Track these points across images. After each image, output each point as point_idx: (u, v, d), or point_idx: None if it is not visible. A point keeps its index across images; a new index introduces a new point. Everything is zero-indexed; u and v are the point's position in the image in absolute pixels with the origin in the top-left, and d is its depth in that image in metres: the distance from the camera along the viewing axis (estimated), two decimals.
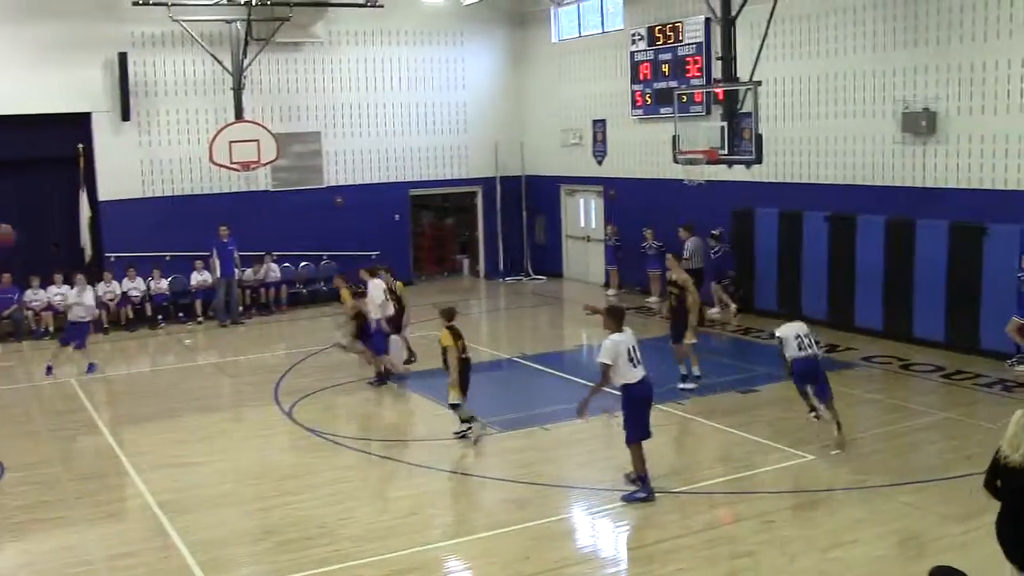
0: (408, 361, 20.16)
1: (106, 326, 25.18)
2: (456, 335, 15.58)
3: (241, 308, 26.76)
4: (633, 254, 26.88)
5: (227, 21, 26.07)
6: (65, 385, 20.08)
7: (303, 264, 28.65)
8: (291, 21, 26.43)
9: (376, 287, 19.19)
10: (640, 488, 12.85)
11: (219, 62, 26.24)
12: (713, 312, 24.02)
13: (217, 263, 25.80)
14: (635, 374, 12.84)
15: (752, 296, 24.35)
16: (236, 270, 26.29)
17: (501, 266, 31.76)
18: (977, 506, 12.00)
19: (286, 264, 28.16)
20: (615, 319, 13.05)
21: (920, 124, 19.97)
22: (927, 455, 14.43)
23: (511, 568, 10.86)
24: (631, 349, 12.81)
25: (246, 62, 26.27)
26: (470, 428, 15.61)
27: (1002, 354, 18.66)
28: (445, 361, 15.59)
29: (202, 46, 26.08)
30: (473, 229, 32.73)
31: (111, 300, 25.58)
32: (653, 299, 26.43)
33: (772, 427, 15.65)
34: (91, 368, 20.73)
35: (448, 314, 15.91)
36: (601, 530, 12.31)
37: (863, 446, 14.69)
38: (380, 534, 11.93)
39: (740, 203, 24.29)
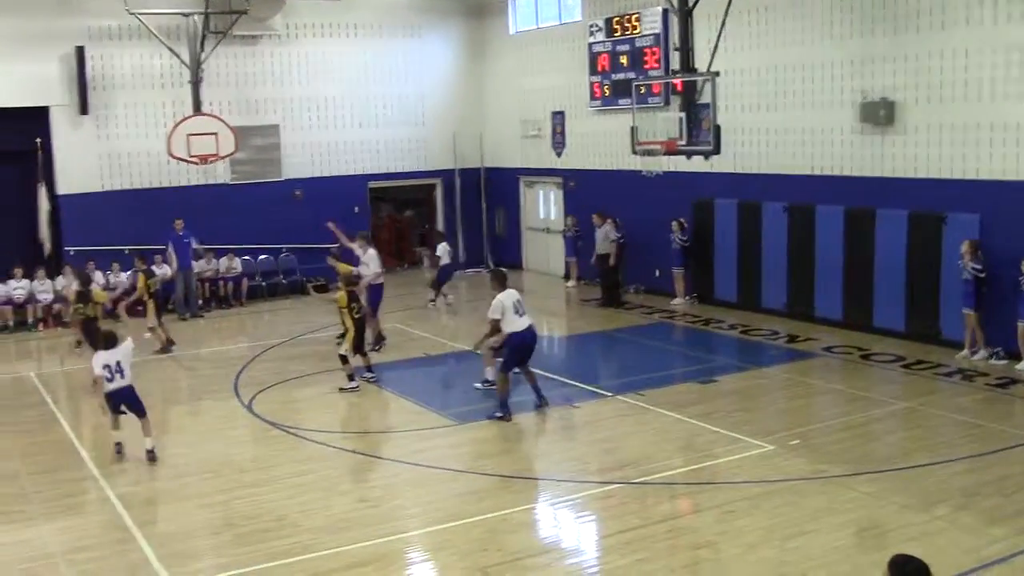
0: (378, 343, 20.91)
1: (66, 320, 24.95)
2: (352, 298, 17.91)
3: (200, 301, 26.55)
4: (592, 246, 26.86)
5: (184, 14, 25.88)
6: (24, 379, 19.89)
7: (262, 257, 28.46)
8: (248, 14, 26.30)
9: (373, 253, 21.10)
10: (500, 410, 15.86)
11: (176, 55, 26.05)
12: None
13: (174, 256, 25.58)
14: (521, 323, 15.92)
15: (712, 287, 24.38)
16: (193, 262, 26.08)
17: (461, 258, 31.67)
18: (935, 496, 12.13)
19: (245, 257, 27.98)
20: (499, 281, 16.33)
21: (878, 114, 20.02)
22: (887, 445, 14.49)
23: (470, 559, 10.80)
24: (516, 303, 15.95)
25: (203, 55, 26.12)
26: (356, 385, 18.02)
27: (961, 344, 18.74)
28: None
29: (159, 39, 25.86)
30: (432, 221, 32.62)
31: (70, 294, 25.30)
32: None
33: (732, 418, 15.65)
34: None
35: (346, 280, 18.37)
36: (561, 521, 12.26)
37: (823, 436, 14.71)
38: (340, 526, 11.85)
39: (700, 194, 24.31)
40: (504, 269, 19.01)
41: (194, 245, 25.93)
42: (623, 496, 12.62)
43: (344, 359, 18.06)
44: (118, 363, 14.49)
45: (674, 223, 24.42)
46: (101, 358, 14.50)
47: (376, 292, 20.82)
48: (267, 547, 11.29)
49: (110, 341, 14.78)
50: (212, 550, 11.48)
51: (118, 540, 11.76)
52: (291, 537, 11.57)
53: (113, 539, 11.83)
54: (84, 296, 19.83)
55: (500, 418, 15.78)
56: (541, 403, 16.44)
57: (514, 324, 15.87)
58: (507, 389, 16.08)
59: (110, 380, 14.43)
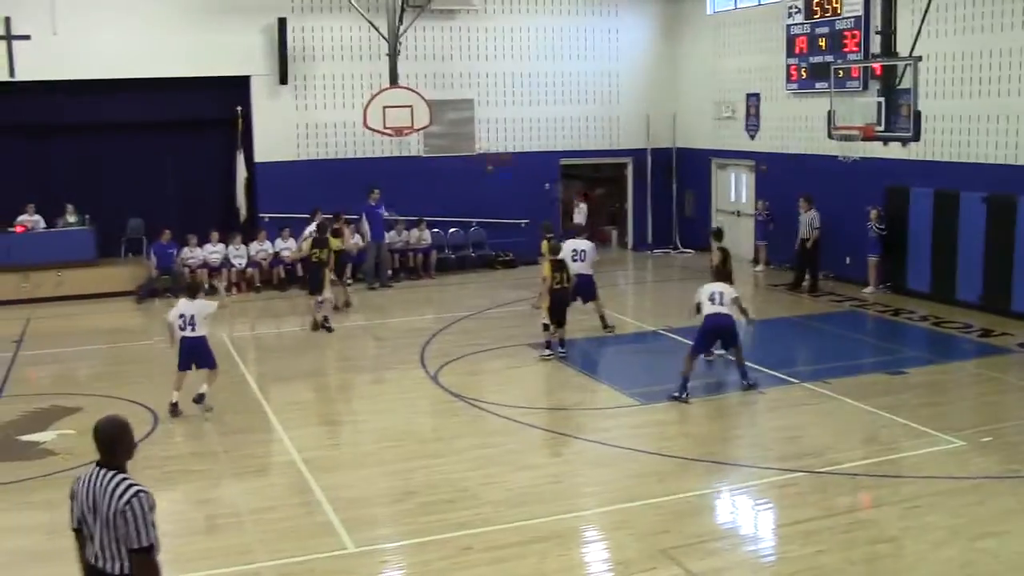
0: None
1: (258, 285, 25.81)
2: (556, 267, 18.62)
3: (390, 272, 27.10)
4: (783, 230, 26.52)
5: None
6: (218, 343, 20.59)
7: (452, 230, 28.89)
8: None
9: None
10: (680, 391, 16.16)
11: (375, 28, 26.54)
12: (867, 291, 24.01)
13: (367, 227, 26.15)
14: (713, 310, 16.48)
15: (904, 276, 23.88)
16: (386, 234, 26.63)
17: (649, 238, 31.61)
18: None
19: (435, 229, 28.43)
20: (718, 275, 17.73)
21: None
22: None
23: (648, 540, 10.88)
24: (713, 294, 16.57)
25: (401, 28, 26.52)
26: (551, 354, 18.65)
27: None
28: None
29: (359, 12, 26.41)
30: (622, 200, 32.62)
31: (264, 260, 26.18)
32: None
33: (920, 411, 15.33)
34: None
35: (554, 249, 19.19)
36: (740, 507, 12.24)
37: (1016, 435, 14.30)
38: (521, 500, 12.04)
39: (894, 181, 23.79)
40: (724, 254, 20.01)
41: (386, 215, 26.47)
42: (804, 485, 12.52)
43: (545, 327, 18.85)
44: (192, 316, 15.57)
45: (872, 211, 23.92)
46: (178, 308, 15.72)
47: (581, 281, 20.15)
48: (449, 517, 11.57)
49: (192, 292, 15.98)
50: (393, 517, 11.80)
51: (303, 503, 12.18)
52: (472, 509, 11.82)
53: (297, 501, 12.25)
54: (320, 242, 21.69)
55: (677, 398, 16.06)
56: (747, 385, 16.71)
57: (707, 309, 16.54)
58: (690, 371, 16.33)
59: (182, 329, 15.52)
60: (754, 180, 29.24)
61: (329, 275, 21.74)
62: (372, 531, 11.36)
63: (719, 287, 16.77)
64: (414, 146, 28.56)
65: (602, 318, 20.80)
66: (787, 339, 20.25)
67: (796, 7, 26.52)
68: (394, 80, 26.45)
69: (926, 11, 19.49)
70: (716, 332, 16.62)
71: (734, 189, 30.53)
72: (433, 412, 16.16)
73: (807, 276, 24.97)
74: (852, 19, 24.70)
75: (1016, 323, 20.65)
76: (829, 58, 24.90)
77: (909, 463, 13.29)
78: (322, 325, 21.45)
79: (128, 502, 6.48)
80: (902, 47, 19.80)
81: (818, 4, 25.77)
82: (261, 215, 27.33)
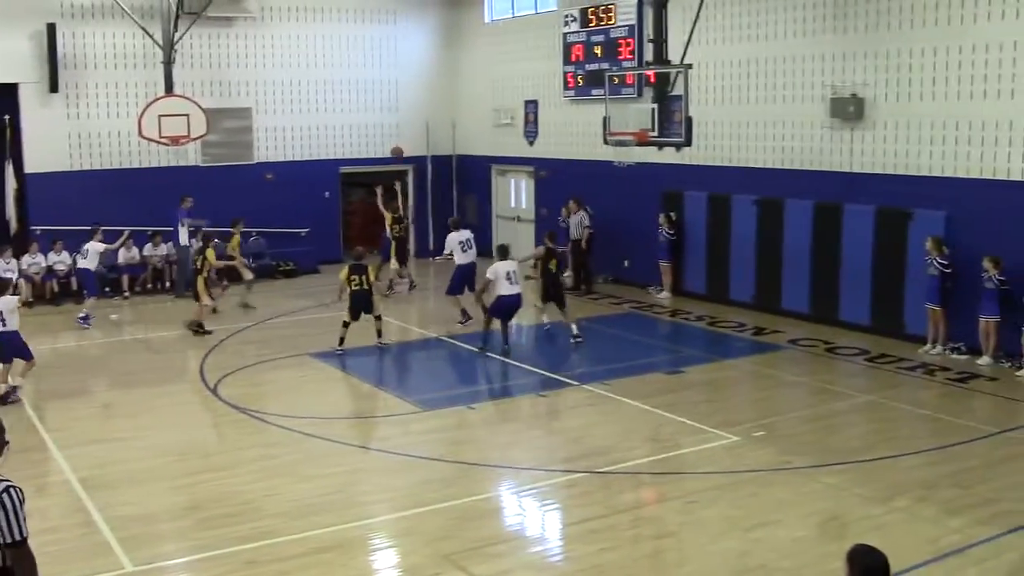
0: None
1: (30, 300, 24.85)
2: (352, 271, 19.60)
3: (169, 284, 26.55)
4: (564, 234, 26.91)
5: None
6: None
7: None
8: None
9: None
10: (482, 341, 19.56)
11: (149, 35, 25.87)
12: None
13: (185, 233, 25.92)
14: (510, 289, 19.28)
15: (681, 278, 24.49)
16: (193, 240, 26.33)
17: (431, 245, 31.66)
18: (896, 487, 12.28)
19: (216, 240, 27.86)
20: (501, 253, 20.03)
21: (848, 109, 20.15)
22: (850, 437, 14.65)
23: (434, 546, 10.85)
24: (509, 272, 19.33)
25: (177, 36, 25.91)
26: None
27: (924, 339, 18.92)
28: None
29: (132, 18, 25.71)
30: (404, 208, 32.55)
31: (37, 274, 25.25)
32: None
33: (698, 408, 15.77)
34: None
35: (356, 254, 20.29)
36: (526, 509, 12.34)
37: (787, 428, 14.87)
38: (305, 511, 11.87)
39: (670, 185, 24.41)
40: (507, 244, 21.28)
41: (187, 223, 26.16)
42: (588, 485, 12.70)
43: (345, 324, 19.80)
44: (1, 312, 16.32)
45: (662, 216, 24.41)
46: None
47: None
48: (231, 531, 11.25)
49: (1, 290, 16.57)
50: (175, 533, 11.45)
51: (79, 524, 11.69)
52: (256, 521, 11.56)
53: (74, 522, 11.80)
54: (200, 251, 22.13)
55: (481, 349, 19.34)
56: (505, 349, 19.43)
57: (503, 289, 19.26)
58: (489, 328, 19.67)
59: None
60: (534, 186, 29.57)
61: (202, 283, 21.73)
62: (152, 549, 11.03)
63: (513, 264, 19.58)
64: (192, 155, 27.99)
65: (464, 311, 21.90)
66: (566, 341, 20.50)
67: (572, 16, 26.97)
68: (170, 88, 25.84)
69: (695, 20, 20.02)
70: (511, 309, 19.51)
71: (514, 195, 30.83)
72: (214, 425, 15.83)
73: (588, 276, 25.40)
74: (626, 28, 25.26)
75: (786, 321, 21.44)
76: (605, 65, 25.38)
77: (688, 459, 13.63)
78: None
79: None
80: (674, 55, 20.30)
81: (593, 13, 26.26)
82: (33, 227, 26.30)
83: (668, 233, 24.32)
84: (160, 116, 25.29)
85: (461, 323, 21.37)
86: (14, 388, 16.50)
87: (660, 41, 20.19)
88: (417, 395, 16.92)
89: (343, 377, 18.30)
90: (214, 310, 22.95)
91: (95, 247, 22.85)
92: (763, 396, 17.08)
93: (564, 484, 12.79)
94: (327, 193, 30.10)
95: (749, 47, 22.47)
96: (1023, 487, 12.36)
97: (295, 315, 22.88)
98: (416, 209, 31.77)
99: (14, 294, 17.84)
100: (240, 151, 28.98)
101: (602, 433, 14.79)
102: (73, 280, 25.20)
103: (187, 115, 25.61)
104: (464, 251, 21.93)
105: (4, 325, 16.26)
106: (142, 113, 25.40)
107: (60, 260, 25.49)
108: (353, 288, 19.44)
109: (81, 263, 23.00)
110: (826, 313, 21.09)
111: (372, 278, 19.80)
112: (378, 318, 19.89)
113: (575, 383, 17.33)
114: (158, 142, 25.64)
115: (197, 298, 21.56)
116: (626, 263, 25.98)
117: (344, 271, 19.74)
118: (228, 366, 18.84)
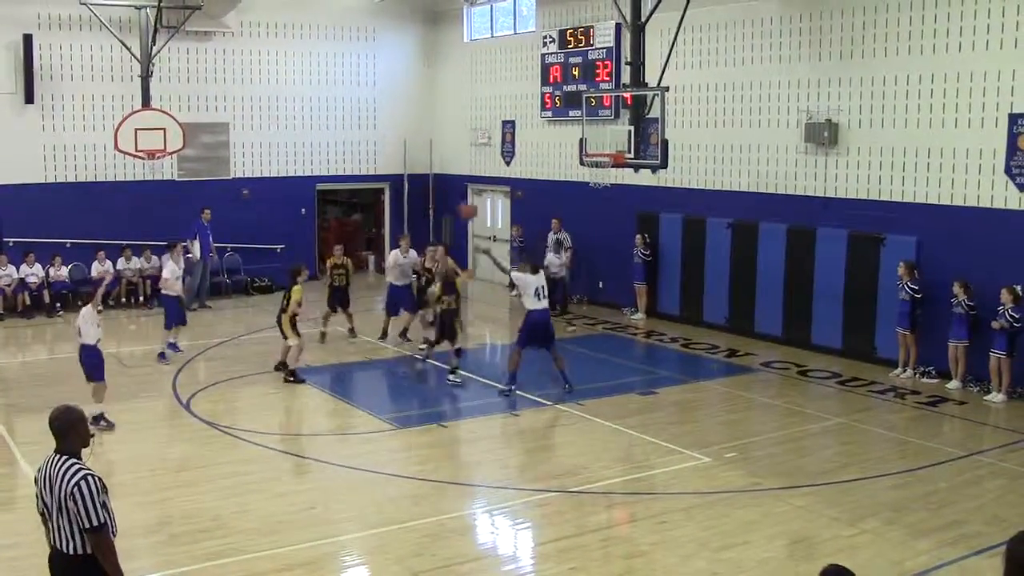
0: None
1: (1, 312, 24.74)
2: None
3: (143, 298, 26.56)
4: (538, 254, 26.95)
5: (136, 7, 25.69)
6: None
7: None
8: (202, 10, 26.13)
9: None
10: (508, 383, 17.76)
11: (127, 48, 25.88)
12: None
13: (198, 245, 26.06)
14: (539, 305, 17.75)
15: (655, 300, 24.58)
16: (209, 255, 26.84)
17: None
18: (865, 509, 12.37)
19: (188, 255, 27.82)
20: (532, 267, 18.29)
21: (822, 135, 20.32)
22: (820, 459, 14.73)
23: (405, 564, 10.87)
24: (539, 288, 17.73)
25: (155, 50, 25.89)
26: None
27: (895, 362, 19.07)
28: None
29: (110, 31, 25.73)
30: (380, 226, 32.66)
31: (8, 286, 25.12)
32: None
33: (670, 429, 15.84)
34: None
35: (294, 272, 19.16)
36: (497, 527, 12.37)
37: (759, 449, 14.96)
38: (275, 528, 11.85)
39: (645, 207, 24.52)
40: (538, 263, 20.33)
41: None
42: (559, 504, 12.75)
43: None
44: None
45: (638, 237, 24.48)
46: None
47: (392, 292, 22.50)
48: (201, 547, 11.25)
49: None
50: (145, 550, 11.32)
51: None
52: (226, 538, 11.54)
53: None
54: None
55: (507, 392, 17.60)
56: (568, 388, 17.96)
57: (531, 304, 17.84)
58: (518, 364, 17.88)
59: None
60: (510, 206, 29.64)
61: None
62: (122, 565, 10.96)
63: (543, 279, 18.25)
64: (168, 170, 27.96)
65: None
66: (541, 362, 20.59)
67: (551, 37, 27.10)
68: (147, 102, 25.82)
69: (672, 44, 20.15)
70: (539, 328, 17.96)
71: (490, 215, 30.88)
72: (186, 441, 15.73)
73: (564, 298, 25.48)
74: (604, 50, 25.38)
75: (759, 343, 21.55)
76: (582, 87, 25.51)
77: (660, 480, 13.69)
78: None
79: (76, 484, 7.16)
80: (651, 78, 20.42)
81: (571, 35, 26.39)
82: (5, 239, 26.20)
83: (643, 254, 24.37)
84: (136, 129, 25.24)
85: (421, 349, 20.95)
86: None
87: (638, 64, 20.29)
88: (389, 412, 16.96)
89: (316, 394, 18.29)
90: (322, 338, 22.02)
91: (171, 266, 21.40)
92: (735, 418, 17.16)
93: (536, 503, 12.84)
94: (303, 210, 30.10)
95: (726, 72, 22.63)
96: (989, 510, 12.49)
97: (269, 332, 22.82)
98: (392, 227, 31.75)
99: None
100: (216, 166, 28.97)
101: (574, 453, 14.84)
102: (46, 293, 25.20)
103: (164, 129, 25.57)
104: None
105: None
106: (118, 126, 25.35)
107: (33, 272, 25.37)
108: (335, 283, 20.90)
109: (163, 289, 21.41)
110: (798, 336, 21.21)
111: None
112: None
113: (548, 403, 17.37)
114: (134, 156, 25.60)
115: (285, 337, 19.34)
116: (601, 284, 26.06)
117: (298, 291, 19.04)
118: (201, 382, 18.83)
